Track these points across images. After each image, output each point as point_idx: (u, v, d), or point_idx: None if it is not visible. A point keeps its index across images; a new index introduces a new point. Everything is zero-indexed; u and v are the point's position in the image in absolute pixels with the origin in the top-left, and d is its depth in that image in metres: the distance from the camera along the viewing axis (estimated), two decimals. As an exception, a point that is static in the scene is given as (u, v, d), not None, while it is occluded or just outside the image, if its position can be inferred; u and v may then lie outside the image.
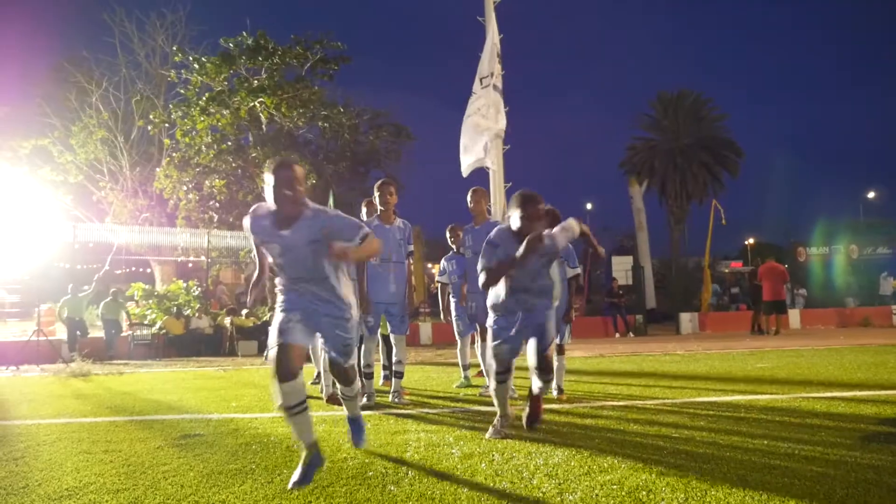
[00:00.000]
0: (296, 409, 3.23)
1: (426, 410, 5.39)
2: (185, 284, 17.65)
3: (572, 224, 4.18)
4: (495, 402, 4.32)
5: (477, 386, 6.76)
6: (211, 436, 4.45)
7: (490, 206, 12.25)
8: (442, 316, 7.46)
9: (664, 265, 32.21)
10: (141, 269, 25.49)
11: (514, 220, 4.10)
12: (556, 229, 4.15)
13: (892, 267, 21.63)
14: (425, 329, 17.08)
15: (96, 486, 3.23)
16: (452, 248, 7.13)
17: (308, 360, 6.76)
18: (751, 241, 43.96)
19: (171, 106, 20.52)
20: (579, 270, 6.13)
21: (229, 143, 19.89)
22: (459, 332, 7.27)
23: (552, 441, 3.98)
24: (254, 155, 19.60)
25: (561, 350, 6.05)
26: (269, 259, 3.52)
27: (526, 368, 6.23)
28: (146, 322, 15.88)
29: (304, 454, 3.26)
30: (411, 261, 6.18)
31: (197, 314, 15.86)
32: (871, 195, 39.48)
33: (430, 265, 25.91)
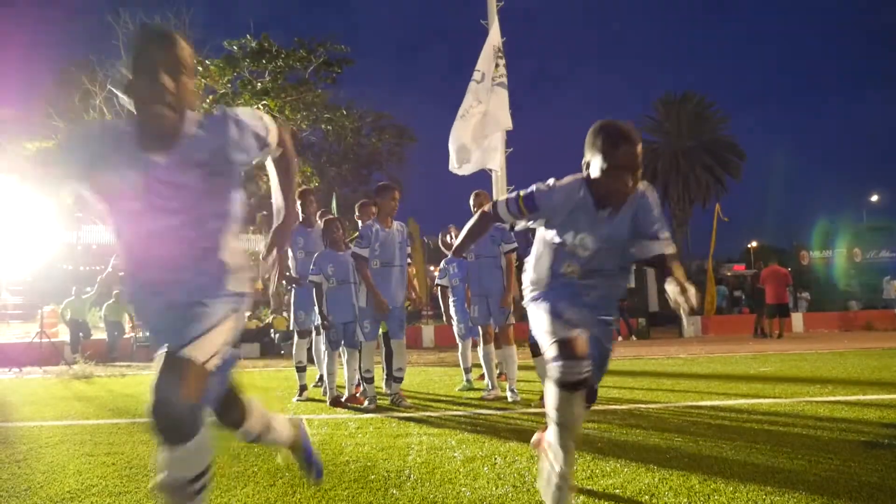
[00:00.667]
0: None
1: (428, 414, 5.39)
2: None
3: None
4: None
5: (479, 389, 6.75)
6: (213, 438, 4.44)
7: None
8: (444, 318, 7.44)
9: (667, 268, 32.15)
10: (144, 271, 25.55)
11: (596, 169, 2.66)
12: None
13: (895, 270, 21.59)
14: (427, 332, 17.07)
15: (99, 489, 3.23)
16: (447, 253, 7.15)
17: (311, 361, 6.77)
18: (753, 244, 43.91)
19: (174, 108, 20.55)
20: (515, 245, 6.12)
21: (232, 146, 19.89)
22: (461, 335, 7.26)
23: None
24: (256, 157, 19.61)
25: (505, 337, 6.17)
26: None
27: (527, 369, 6.20)
28: (149, 324, 15.88)
29: None
30: (410, 262, 6.20)
31: (199, 316, 15.85)
32: (874, 198, 39.41)
33: (431, 267, 25.89)
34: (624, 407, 5.47)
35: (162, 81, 1.98)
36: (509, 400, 5.94)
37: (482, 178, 12.50)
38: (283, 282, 6.18)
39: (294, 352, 6.70)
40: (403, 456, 3.75)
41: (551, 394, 2.50)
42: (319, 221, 6.52)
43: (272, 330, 15.78)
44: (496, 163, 11.55)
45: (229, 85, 19.69)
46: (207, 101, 19.13)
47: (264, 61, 19.43)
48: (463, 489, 3.05)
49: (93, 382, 9.11)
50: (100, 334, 15.58)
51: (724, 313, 21.36)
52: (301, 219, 6.72)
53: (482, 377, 6.91)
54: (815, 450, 3.67)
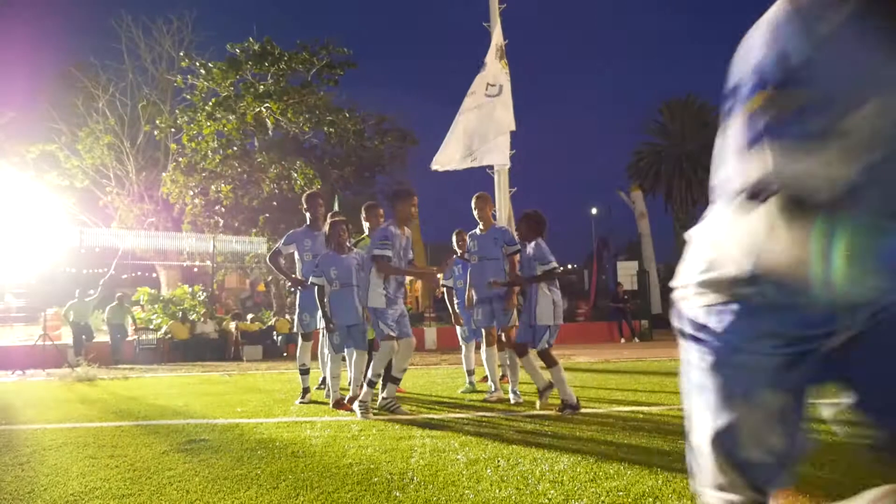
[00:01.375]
0: None
1: (431, 416, 5.38)
2: (190, 289, 17.70)
3: None
4: None
5: (481, 391, 6.75)
6: (216, 441, 4.45)
7: (495, 210, 12.26)
8: (453, 319, 7.41)
9: (670, 270, 32.16)
10: (146, 274, 25.61)
11: None
12: None
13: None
14: (430, 333, 17.07)
15: (102, 492, 3.23)
16: (457, 252, 7.14)
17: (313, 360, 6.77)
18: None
19: (177, 111, 20.64)
20: (518, 248, 6.05)
21: (235, 148, 19.96)
22: (464, 336, 7.26)
23: (558, 447, 3.97)
24: (259, 160, 19.66)
25: (508, 340, 6.20)
26: None
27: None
28: (151, 326, 15.92)
29: None
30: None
31: (202, 319, 15.89)
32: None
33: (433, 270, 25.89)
34: (627, 409, 5.46)
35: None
36: (512, 402, 5.94)
37: (484, 181, 12.50)
38: (288, 284, 6.22)
39: (298, 354, 6.68)
40: (406, 458, 3.75)
41: None
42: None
43: (275, 332, 15.79)
44: (501, 160, 11.52)
45: (232, 88, 19.72)
46: (210, 103, 19.15)
47: (267, 64, 19.45)
48: (466, 491, 3.05)
49: (96, 385, 9.12)
50: (103, 337, 15.60)
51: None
52: (309, 222, 6.73)
53: (485, 379, 6.91)
54: (819, 452, 3.66)
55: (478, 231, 6.41)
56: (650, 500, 2.86)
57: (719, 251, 1.29)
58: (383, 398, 5.67)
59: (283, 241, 6.75)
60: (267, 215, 19.50)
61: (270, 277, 20.53)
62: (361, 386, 5.75)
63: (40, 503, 3.09)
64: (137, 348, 14.85)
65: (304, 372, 6.55)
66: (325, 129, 20.53)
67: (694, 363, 1.36)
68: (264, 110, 19.46)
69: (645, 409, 5.46)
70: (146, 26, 23.42)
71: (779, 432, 1.41)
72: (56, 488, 3.32)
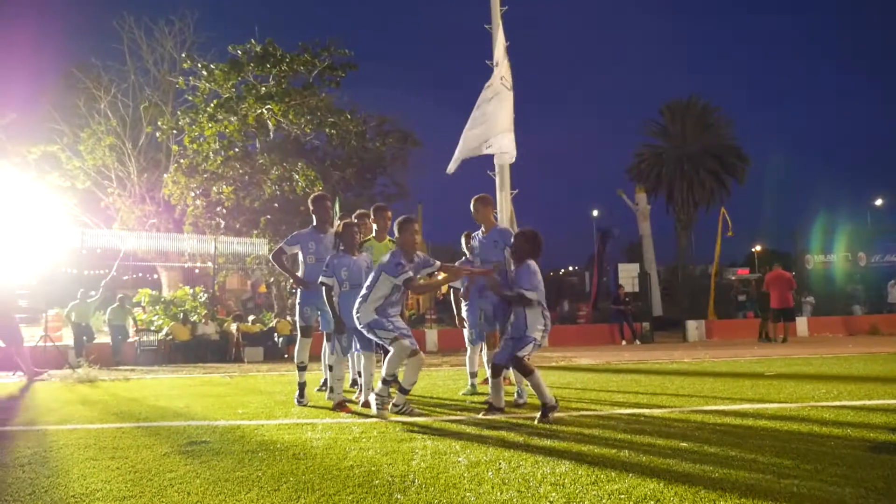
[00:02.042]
0: None
1: (432, 418, 5.38)
2: (191, 290, 17.70)
3: None
4: None
5: (483, 393, 6.74)
6: (217, 443, 4.45)
7: (497, 213, 12.25)
8: (457, 322, 7.40)
9: (671, 272, 32.14)
10: (148, 275, 25.63)
11: None
12: None
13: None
14: (431, 336, 17.06)
15: (103, 493, 3.23)
16: (466, 254, 7.10)
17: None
18: (758, 248, 43.85)
19: (179, 112, 20.66)
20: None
21: (237, 150, 19.98)
22: (470, 339, 7.24)
23: (559, 449, 3.96)
24: (261, 161, 19.67)
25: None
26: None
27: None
28: (153, 328, 15.93)
29: None
30: None
31: (203, 320, 15.89)
32: (878, 202, 39.32)
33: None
34: (628, 411, 5.45)
35: None
36: (515, 401, 5.93)
37: (485, 183, 12.49)
38: (289, 286, 6.21)
39: (297, 350, 6.61)
40: (408, 461, 3.74)
41: None
42: (333, 227, 6.50)
43: (276, 334, 15.79)
44: (510, 150, 11.56)
45: (233, 89, 19.74)
46: (211, 105, 19.17)
47: (268, 66, 19.46)
48: (467, 494, 3.05)
49: (97, 386, 9.12)
50: (104, 338, 15.61)
51: (728, 318, 21.31)
52: (315, 224, 6.70)
53: (486, 382, 6.89)
54: (821, 454, 3.66)
55: (479, 234, 6.42)
56: (652, 502, 2.85)
57: None
58: (394, 404, 5.65)
59: (287, 240, 6.69)
60: (268, 217, 19.50)
61: (272, 279, 20.53)
62: (372, 389, 5.73)
63: (41, 505, 3.09)
64: (138, 350, 14.86)
65: (303, 368, 6.48)
66: (327, 130, 20.54)
67: None
68: (266, 112, 19.46)
69: (646, 411, 5.46)
70: (148, 27, 23.47)
71: None
72: (57, 490, 3.32)
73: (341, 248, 6.03)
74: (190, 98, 20.42)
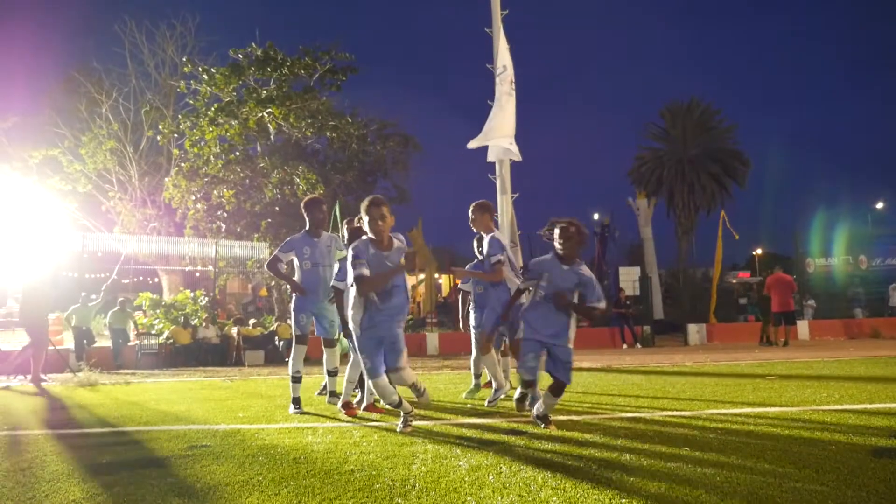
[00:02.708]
0: None
1: (433, 422, 5.37)
2: (192, 294, 17.70)
3: None
4: None
5: (485, 398, 6.73)
6: (218, 447, 4.44)
7: (497, 216, 12.26)
8: (461, 325, 7.38)
9: (672, 276, 32.12)
10: (149, 279, 25.62)
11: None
12: None
13: (901, 278, 21.50)
14: (432, 339, 17.05)
15: (103, 498, 3.23)
16: (478, 257, 7.08)
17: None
18: (758, 251, 43.83)
19: (180, 116, 20.69)
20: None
21: (237, 154, 20.01)
22: (479, 340, 7.21)
23: (560, 453, 3.95)
24: (262, 165, 19.70)
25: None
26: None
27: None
28: (153, 332, 15.93)
29: None
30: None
31: (204, 324, 15.89)
32: (879, 205, 39.29)
33: (436, 276, 25.90)
34: (629, 415, 5.44)
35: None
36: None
37: (486, 186, 12.50)
38: (289, 290, 6.15)
39: (292, 359, 6.33)
40: (408, 464, 3.74)
41: None
42: (335, 231, 6.49)
43: (276, 337, 15.78)
44: (515, 150, 11.65)
45: (234, 93, 19.78)
46: (212, 108, 19.20)
47: (269, 69, 19.51)
48: (468, 498, 3.04)
49: (97, 390, 9.11)
50: (104, 342, 15.61)
51: (729, 321, 21.30)
52: (307, 228, 6.66)
53: (488, 384, 6.88)
54: (823, 458, 3.65)
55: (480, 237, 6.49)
56: (653, 507, 2.85)
57: None
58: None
59: (281, 248, 6.53)
60: (269, 220, 19.53)
61: (273, 282, 20.54)
62: (372, 393, 5.71)
63: (41, 509, 3.09)
64: (139, 353, 14.86)
65: (297, 380, 6.26)
66: (328, 134, 20.58)
67: None
68: (267, 115, 19.50)
69: (647, 414, 5.45)
70: (149, 31, 23.52)
71: None
72: (57, 494, 3.32)
73: None
74: (191, 102, 20.46)
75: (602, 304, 4.83)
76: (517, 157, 11.57)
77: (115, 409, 6.78)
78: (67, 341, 15.96)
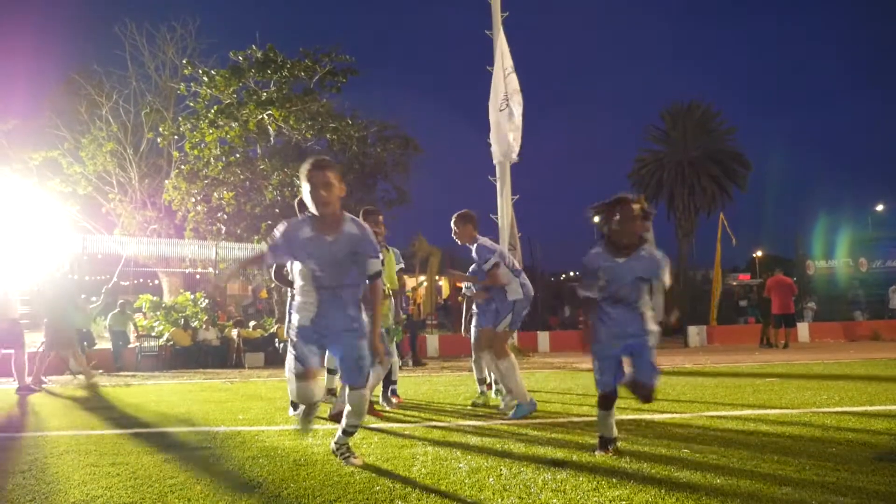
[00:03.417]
0: None
1: (433, 424, 5.37)
2: (192, 296, 17.70)
3: None
4: None
5: (495, 406, 6.70)
6: (218, 449, 4.44)
7: (496, 218, 12.26)
8: (462, 329, 7.30)
9: (672, 277, 32.08)
10: (149, 281, 25.61)
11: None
12: None
13: (902, 280, 21.51)
14: (432, 341, 17.05)
15: (103, 500, 3.22)
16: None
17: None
18: (759, 253, 43.81)
19: (180, 118, 20.69)
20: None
21: (238, 156, 20.01)
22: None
23: (560, 455, 3.95)
24: (262, 167, 19.70)
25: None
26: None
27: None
28: (153, 334, 15.92)
29: None
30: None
31: (204, 326, 15.88)
32: (879, 207, 39.29)
33: (437, 278, 25.87)
34: (629, 417, 5.44)
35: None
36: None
37: (487, 188, 12.52)
38: (288, 292, 6.11)
39: (287, 362, 6.41)
40: (408, 467, 3.74)
41: None
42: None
43: (277, 339, 15.78)
44: (512, 154, 11.72)
45: (234, 95, 19.79)
46: (212, 111, 19.21)
47: (269, 71, 19.52)
48: (468, 500, 3.04)
49: (97, 392, 9.11)
50: (105, 344, 15.60)
51: (730, 323, 21.29)
52: None
53: (490, 387, 6.87)
54: (823, 460, 3.65)
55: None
56: (653, 509, 2.84)
57: None
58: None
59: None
60: (269, 222, 19.51)
61: (273, 284, 20.53)
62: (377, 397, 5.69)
63: (41, 511, 3.09)
64: (139, 355, 14.84)
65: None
66: (328, 136, 20.58)
67: None
68: (267, 117, 19.50)
69: (647, 416, 5.45)
70: (150, 34, 23.51)
71: None
72: (57, 496, 3.32)
73: None
74: (191, 104, 20.46)
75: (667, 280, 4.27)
76: (516, 151, 11.66)
77: (115, 411, 6.78)
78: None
